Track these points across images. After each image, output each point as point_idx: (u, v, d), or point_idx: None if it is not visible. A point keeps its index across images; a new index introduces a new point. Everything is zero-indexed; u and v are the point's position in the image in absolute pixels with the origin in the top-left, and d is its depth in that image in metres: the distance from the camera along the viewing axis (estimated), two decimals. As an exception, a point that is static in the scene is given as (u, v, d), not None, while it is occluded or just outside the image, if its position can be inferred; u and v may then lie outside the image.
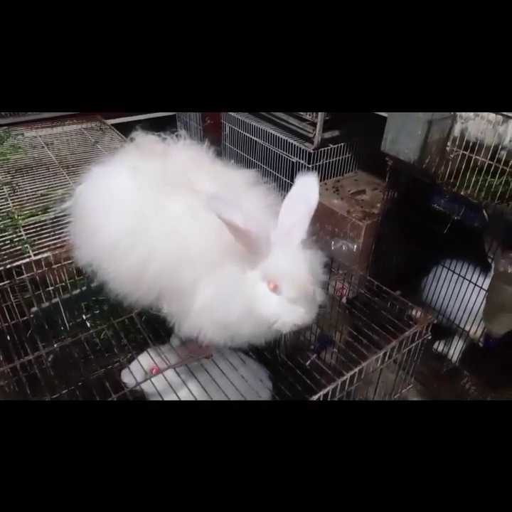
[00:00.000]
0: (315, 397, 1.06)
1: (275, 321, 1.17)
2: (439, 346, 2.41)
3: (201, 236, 1.18)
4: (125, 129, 3.05)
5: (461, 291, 2.16)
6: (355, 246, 1.80)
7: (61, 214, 1.77)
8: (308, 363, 1.84)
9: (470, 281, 2.12)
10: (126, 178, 1.29)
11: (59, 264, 1.49)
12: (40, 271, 1.47)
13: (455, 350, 2.32)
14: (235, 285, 1.17)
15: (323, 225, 2.58)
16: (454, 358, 2.34)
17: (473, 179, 1.88)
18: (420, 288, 2.52)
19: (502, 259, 1.77)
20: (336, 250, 1.77)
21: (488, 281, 2.04)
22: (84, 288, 1.54)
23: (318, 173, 2.84)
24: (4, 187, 1.97)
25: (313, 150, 2.70)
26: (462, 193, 1.92)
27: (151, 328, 1.45)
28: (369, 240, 2.51)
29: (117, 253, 1.25)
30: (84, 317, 1.45)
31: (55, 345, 1.30)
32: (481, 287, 2.07)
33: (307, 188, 1.22)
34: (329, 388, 1.08)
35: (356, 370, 1.14)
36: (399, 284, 1.71)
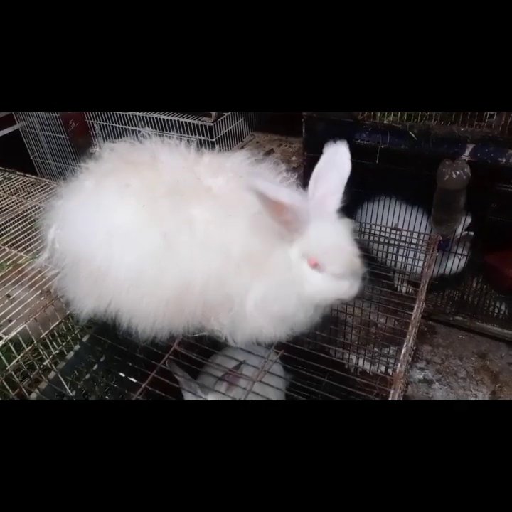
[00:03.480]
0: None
1: (320, 299, 1.11)
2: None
3: (239, 235, 1.06)
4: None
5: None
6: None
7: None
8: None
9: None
10: (120, 200, 1.07)
11: (48, 331, 1.19)
12: (29, 348, 1.16)
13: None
14: (283, 274, 1.08)
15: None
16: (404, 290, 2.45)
17: (392, 106, 2.01)
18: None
19: (443, 169, 1.95)
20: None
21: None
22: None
23: (220, 145, 2.74)
24: None
25: (212, 122, 2.58)
26: (385, 122, 2.04)
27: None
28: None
29: (144, 284, 1.06)
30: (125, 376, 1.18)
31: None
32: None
33: (339, 156, 1.15)
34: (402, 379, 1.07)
35: (405, 346, 1.14)
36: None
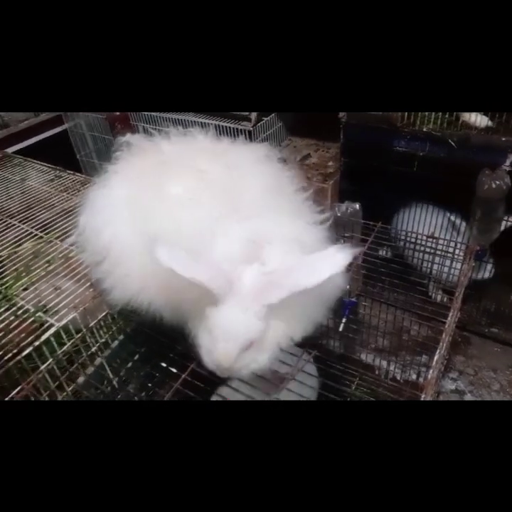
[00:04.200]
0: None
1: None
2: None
3: (194, 219, 1.04)
4: (29, 154, 2.70)
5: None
6: (358, 205, 1.82)
7: (50, 266, 1.51)
8: (341, 328, 1.84)
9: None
10: (121, 180, 1.22)
11: (96, 321, 1.28)
12: (79, 335, 1.25)
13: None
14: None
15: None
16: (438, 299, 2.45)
17: (433, 114, 2.02)
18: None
19: (482, 178, 1.94)
20: (342, 214, 1.78)
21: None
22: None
23: (259, 149, 2.80)
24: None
25: (252, 127, 2.64)
26: (425, 130, 2.05)
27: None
28: (334, 198, 2.57)
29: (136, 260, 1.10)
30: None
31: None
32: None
33: (329, 261, 0.94)
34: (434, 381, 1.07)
35: (438, 353, 1.14)
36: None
